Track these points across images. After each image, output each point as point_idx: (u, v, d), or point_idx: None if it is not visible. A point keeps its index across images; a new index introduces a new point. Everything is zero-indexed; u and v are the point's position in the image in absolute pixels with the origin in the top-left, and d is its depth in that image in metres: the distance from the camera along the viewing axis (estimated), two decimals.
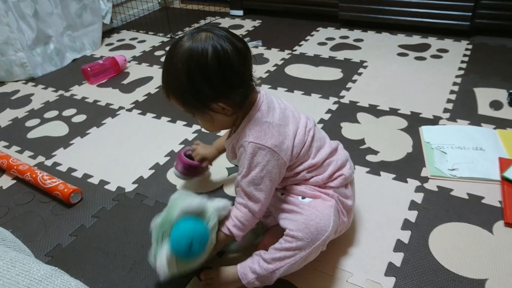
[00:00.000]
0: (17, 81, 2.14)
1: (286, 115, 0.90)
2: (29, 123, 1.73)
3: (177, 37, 2.54)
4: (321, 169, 0.92)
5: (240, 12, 2.85)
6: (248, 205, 0.87)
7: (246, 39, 2.36)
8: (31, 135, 1.65)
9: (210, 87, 0.79)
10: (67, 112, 1.79)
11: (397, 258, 0.98)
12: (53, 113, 1.80)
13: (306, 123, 0.92)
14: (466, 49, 2.06)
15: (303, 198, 0.91)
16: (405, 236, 1.04)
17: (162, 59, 2.25)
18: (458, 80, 1.77)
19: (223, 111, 0.83)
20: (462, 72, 1.84)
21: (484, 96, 1.64)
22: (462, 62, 1.93)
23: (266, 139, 0.84)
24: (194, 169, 1.20)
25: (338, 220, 0.91)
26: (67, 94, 1.96)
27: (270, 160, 0.84)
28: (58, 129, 1.67)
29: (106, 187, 1.31)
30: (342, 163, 0.95)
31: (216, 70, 0.78)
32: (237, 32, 2.56)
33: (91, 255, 1.07)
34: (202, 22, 2.78)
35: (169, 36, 2.57)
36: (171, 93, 0.84)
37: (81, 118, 1.74)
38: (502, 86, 1.70)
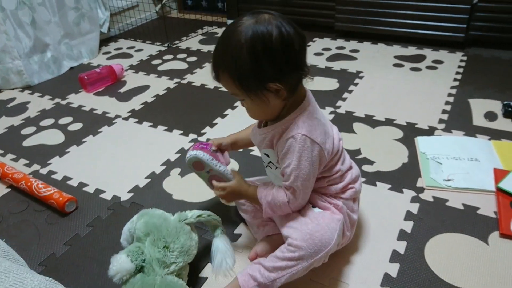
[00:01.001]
0: (13, 88, 2.13)
1: (325, 119, 0.92)
2: (25, 131, 1.73)
3: (174, 46, 2.55)
4: (339, 179, 0.94)
5: None
6: (290, 198, 0.87)
7: None
8: (26, 143, 1.64)
9: (272, 66, 0.77)
10: (63, 120, 1.79)
11: (393, 269, 0.98)
12: (49, 121, 1.79)
13: (338, 133, 0.95)
14: (461, 61, 2.08)
15: (313, 206, 0.92)
16: (401, 247, 1.04)
17: (160, 68, 2.26)
18: (453, 91, 1.79)
19: (278, 93, 0.81)
20: (457, 83, 1.86)
21: (479, 107, 1.65)
22: (457, 73, 1.95)
23: (316, 134, 0.85)
24: (206, 147, 1.04)
25: (342, 234, 0.91)
26: (64, 102, 1.96)
27: (317, 156, 0.85)
28: (54, 137, 1.67)
29: (101, 196, 1.31)
30: (356, 177, 0.98)
31: (280, 49, 0.77)
32: None
33: (86, 265, 1.06)
34: (200, 31, 2.80)
35: (166, 45, 2.58)
36: (225, 72, 0.80)
37: (77, 126, 1.73)
38: (497, 97, 1.71)
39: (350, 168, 0.97)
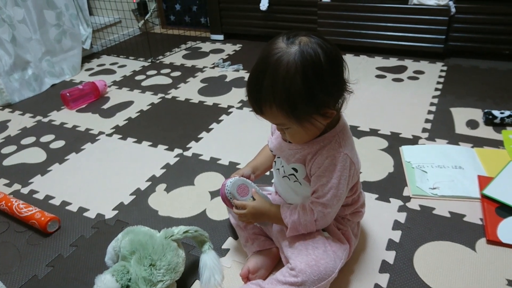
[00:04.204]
0: None
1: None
2: (5, 150, 1.69)
3: (157, 61, 2.54)
4: (355, 200, 0.94)
5: (221, 37, 2.88)
6: (319, 217, 0.85)
7: (227, 63, 2.38)
8: (7, 162, 1.60)
9: (324, 90, 0.74)
10: (45, 138, 1.75)
11: (383, 280, 0.97)
12: (30, 140, 1.75)
13: None
14: (441, 71, 2.13)
15: (323, 230, 0.91)
16: (390, 257, 1.03)
17: (143, 83, 2.24)
18: (435, 100, 1.82)
19: (326, 114, 0.77)
20: (438, 92, 1.89)
21: (461, 115, 1.68)
22: (438, 83, 1.99)
23: (353, 154, 0.84)
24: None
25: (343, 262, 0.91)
26: (45, 119, 1.92)
27: (351, 176, 0.84)
28: (36, 155, 1.63)
29: (85, 214, 1.28)
30: (364, 202, 0.99)
31: (329, 73, 0.74)
32: (218, 56, 2.58)
33: (69, 287, 1.02)
34: (183, 46, 2.80)
35: (149, 60, 2.57)
36: (274, 104, 0.75)
37: (59, 144, 1.70)
38: (478, 105, 1.74)
39: (361, 192, 0.98)
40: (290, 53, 0.73)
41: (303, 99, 0.73)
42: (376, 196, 1.25)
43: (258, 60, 0.77)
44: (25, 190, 1.41)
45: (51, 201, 1.35)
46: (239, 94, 2.01)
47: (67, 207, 1.31)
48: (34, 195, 1.38)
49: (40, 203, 1.34)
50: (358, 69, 2.21)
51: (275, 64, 0.73)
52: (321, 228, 0.89)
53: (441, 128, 1.60)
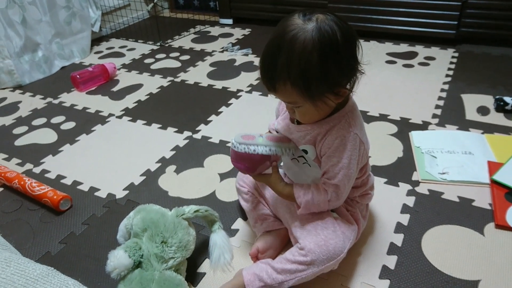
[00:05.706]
0: (4, 88, 2.11)
1: None
2: (17, 131, 1.70)
3: (166, 45, 2.54)
4: (364, 181, 0.95)
5: (230, 21, 2.86)
6: (332, 197, 0.85)
7: (236, 47, 2.37)
8: (18, 142, 1.62)
9: (339, 69, 0.74)
10: (55, 120, 1.77)
11: (391, 261, 0.98)
12: (41, 121, 1.77)
13: None
14: (453, 57, 2.10)
15: (332, 211, 0.91)
16: (398, 239, 1.04)
17: (152, 66, 2.24)
18: (446, 86, 1.80)
19: (339, 93, 0.77)
20: (449, 79, 1.87)
21: (471, 102, 1.66)
22: (449, 69, 1.97)
23: (363, 134, 0.84)
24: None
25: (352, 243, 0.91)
26: (56, 101, 1.94)
27: (361, 156, 0.84)
28: (47, 136, 1.65)
29: (96, 194, 1.29)
30: (373, 184, 0.99)
31: (345, 51, 0.73)
32: (227, 40, 2.57)
33: (81, 263, 1.05)
34: (192, 30, 2.79)
35: (158, 44, 2.57)
36: (288, 82, 0.74)
37: (70, 125, 1.72)
38: (489, 92, 1.73)
39: (370, 174, 0.98)
40: (307, 30, 0.72)
41: (319, 77, 0.73)
42: (385, 180, 1.25)
43: (272, 36, 0.76)
44: (37, 170, 1.43)
45: (62, 181, 1.37)
46: (248, 78, 2.01)
47: (78, 187, 1.33)
48: (46, 175, 1.40)
49: (52, 182, 1.35)
50: (369, 54, 2.20)
51: (291, 41, 0.72)
52: (333, 208, 0.90)
53: (451, 114, 1.59)
